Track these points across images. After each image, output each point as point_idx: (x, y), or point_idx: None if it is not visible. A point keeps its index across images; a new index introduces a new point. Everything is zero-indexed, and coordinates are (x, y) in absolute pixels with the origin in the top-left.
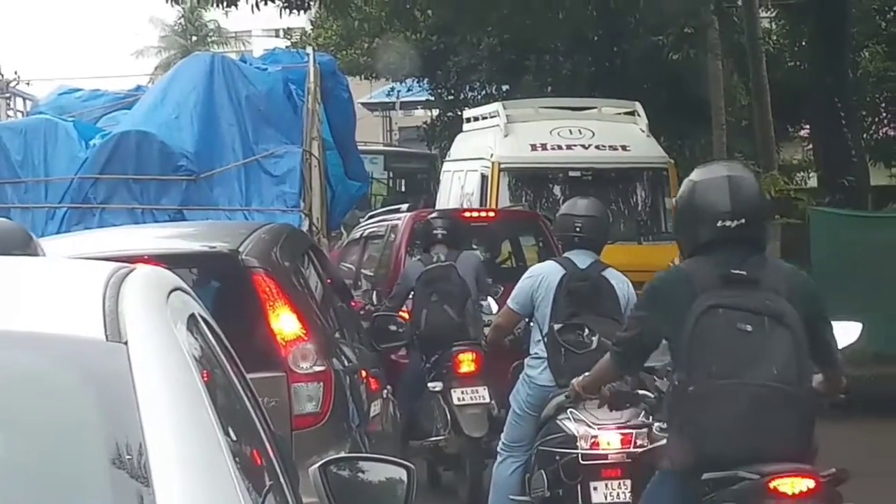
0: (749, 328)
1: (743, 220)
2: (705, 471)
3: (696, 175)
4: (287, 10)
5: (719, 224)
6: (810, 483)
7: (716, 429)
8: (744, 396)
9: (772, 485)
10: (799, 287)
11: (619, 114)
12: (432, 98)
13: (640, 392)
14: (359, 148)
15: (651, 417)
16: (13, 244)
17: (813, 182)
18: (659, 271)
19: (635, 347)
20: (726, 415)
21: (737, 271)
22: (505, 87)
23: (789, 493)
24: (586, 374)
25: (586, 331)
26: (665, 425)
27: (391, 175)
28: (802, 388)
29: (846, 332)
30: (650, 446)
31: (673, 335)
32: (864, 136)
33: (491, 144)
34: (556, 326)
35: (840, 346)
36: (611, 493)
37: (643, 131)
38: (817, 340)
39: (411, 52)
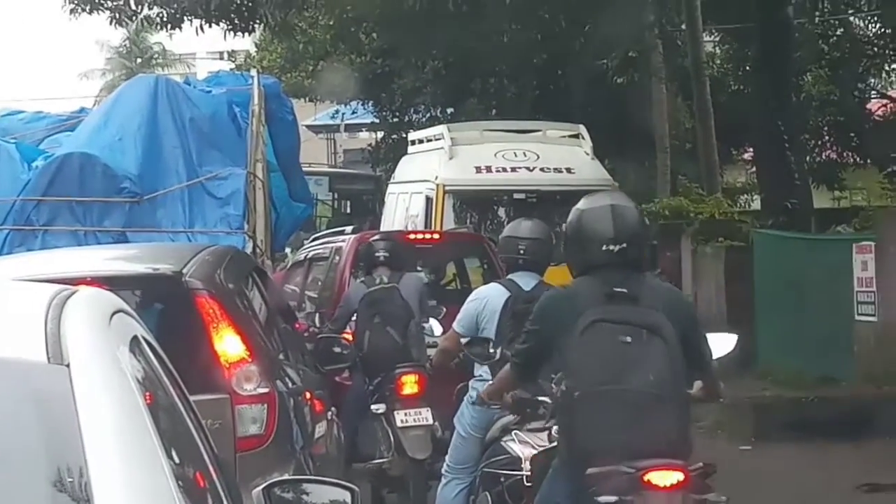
0: (629, 339)
1: (624, 245)
2: (590, 466)
3: (582, 204)
4: (231, 33)
5: (603, 248)
6: (680, 476)
7: (599, 429)
8: (623, 400)
9: (646, 478)
10: (674, 303)
11: (564, 137)
12: (377, 121)
13: (539, 398)
14: (303, 170)
15: (550, 421)
16: None
17: (756, 205)
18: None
19: (530, 358)
20: (608, 417)
21: (619, 289)
22: (450, 110)
23: (661, 484)
24: (491, 382)
25: None
26: (556, 429)
27: (336, 196)
28: (676, 393)
29: (721, 343)
30: (548, 446)
31: (562, 346)
32: (808, 159)
33: (436, 167)
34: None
35: (715, 356)
36: None
37: (587, 154)
38: (692, 351)
39: (356, 75)
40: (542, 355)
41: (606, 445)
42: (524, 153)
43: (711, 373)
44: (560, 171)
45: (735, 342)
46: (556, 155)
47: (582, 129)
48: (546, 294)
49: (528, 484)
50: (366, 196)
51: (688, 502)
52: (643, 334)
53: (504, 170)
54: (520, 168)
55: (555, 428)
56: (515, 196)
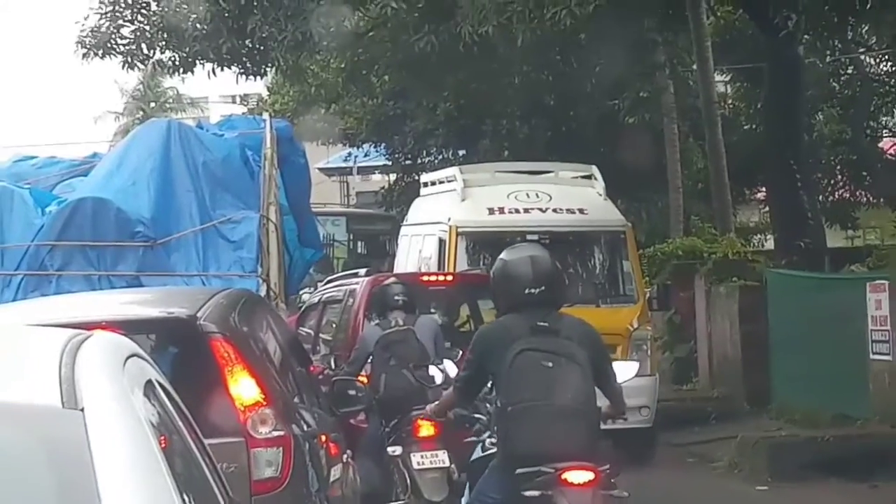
0: (550, 364)
1: (543, 287)
2: (518, 467)
3: (505, 255)
4: (244, 77)
5: (526, 291)
6: (591, 475)
7: (526, 437)
8: (546, 414)
9: (563, 476)
10: (586, 335)
11: (576, 177)
12: (389, 163)
13: (476, 415)
14: (322, 210)
15: (486, 433)
16: None
17: (770, 244)
18: (600, 332)
19: (469, 384)
20: (533, 427)
21: (541, 323)
22: (462, 152)
23: (575, 482)
24: (436, 402)
25: None
26: (495, 438)
27: (353, 237)
28: (588, 409)
29: (624, 370)
30: (483, 454)
31: (496, 371)
32: (820, 198)
33: (448, 209)
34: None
35: (620, 380)
36: None
37: (600, 195)
38: (600, 374)
39: (368, 118)
40: (478, 380)
41: (532, 450)
42: (537, 194)
43: (616, 393)
44: (573, 212)
45: (636, 369)
46: (569, 196)
47: (594, 169)
48: (480, 329)
49: None
50: (382, 236)
51: (597, 497)
52: (562, 360)
53: (517, 211)
54: (532, 209)
55: (489, 440)
56: (528, 237)
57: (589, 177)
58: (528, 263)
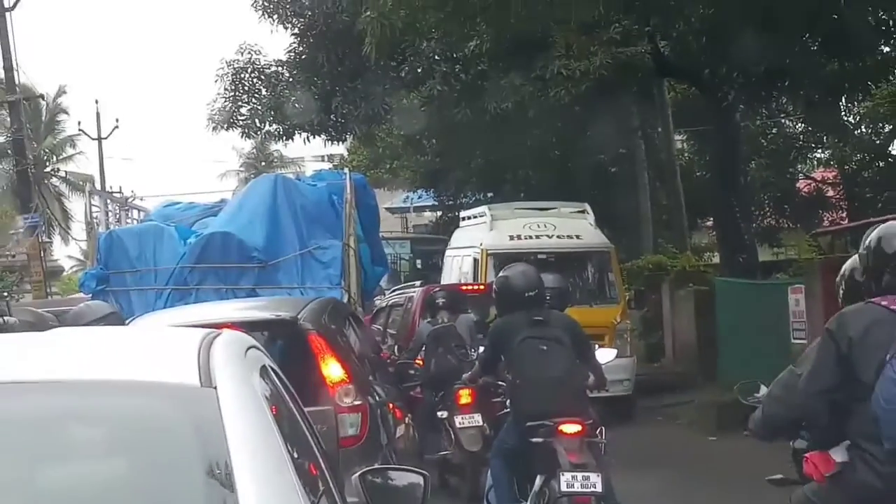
0: (545, 348)
1: (535, 291)
2: (526, 421)
3: (505, 272)
4: (330, 142)
5: (525, 294)
6: (579, 427)
7: (530, 400)
8: (545, 384)
9: (559, 427)
10: (570, 325)
11: (573, 212)
12: (436, 203)
13: (500, 382)
14: (393, 235)
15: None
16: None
17: (717, 259)
18: (586, 326)
19: (488, 361)
20: (535, 393)
21: (537, 318)
22: (490, 194)
23: (568, 432)
24: (469, 373)
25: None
26: (509, 402)
27: (414, 256)
28: (575, 378)
29: (604, 354)
30: (502, 412)
31: (506, 353)
32: (754, 224)
33: (481, 236)
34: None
35: (602, 362)
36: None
37: (591, 224)
38: (581, 354)
39: (421, 171)
40: (494, 359)
41: (536, 410)
42: (545, 225)
43: (597, 367)
44: (572, 238)
45: (614, 354)
46: (568, 225)
47: (587, 206)
48: (494, 323)
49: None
50: (436, 256)
51: (584, 443)
52: (553, 344)
53: (531, 237)
54: (542, 236)
55: (508, 402)
56: (539, 256)
57: (583, 211)
58: (523, 276)
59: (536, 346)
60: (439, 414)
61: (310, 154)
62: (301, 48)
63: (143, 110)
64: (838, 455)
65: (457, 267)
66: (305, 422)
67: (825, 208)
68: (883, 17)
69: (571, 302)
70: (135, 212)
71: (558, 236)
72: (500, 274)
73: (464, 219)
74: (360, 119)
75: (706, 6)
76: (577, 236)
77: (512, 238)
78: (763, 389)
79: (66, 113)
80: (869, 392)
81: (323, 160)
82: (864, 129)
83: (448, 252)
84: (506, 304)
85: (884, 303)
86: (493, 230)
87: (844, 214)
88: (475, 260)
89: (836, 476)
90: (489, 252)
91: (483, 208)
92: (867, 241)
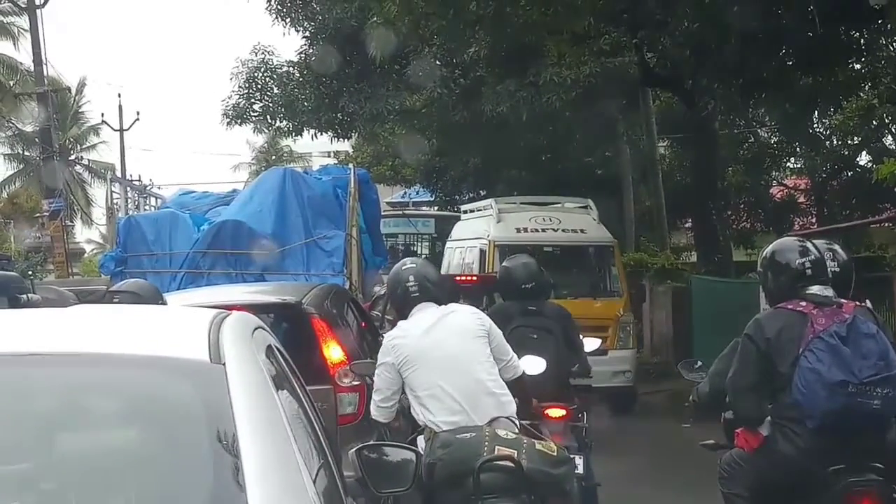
0: (535, 336)
1: (532, 283)
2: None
3: (507, 262)
4: (336, 139)
5: (522, 286)
6: (563, 412)
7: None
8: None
9: (545, 411)
10: (561, 316)
11: (577, 207)
12: (435, 199)
13: None
14: (416, 212)
15: None
16: (153, 298)
17: (694, 258)
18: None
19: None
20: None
21: (531, 307)
22: (483, 192)
23: (553, 416)
24: None
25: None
26: None
27: (438, 235)
28: (562, 367)
29: (590, 343)
30: None
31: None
32: (729, 227)
33: (487, 228)
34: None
35: (587, 350)
36: None
37: (595, 220)
38: (570, 344)
39: (420, 168)
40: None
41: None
42: (550, 219)
43: (583, 357)
44: (576, 232)
45: (599, 343)
46: (573, 220)
47: (590, 202)
48: (491, 308)
49: None
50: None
51: (567, 426)
52: (543, 333)
53: (536, 230)
54: (548, 229)
55: None
56: (545, 249)
57: (586, 207)
58: (524, 267)
59: (527, 335)
60: None
61: (317, 150)
62: (311, 50)
63: (162, 104)
64: (764, 430)
65: (458, 258)
66: (307, 399)
67: (796, 213)
68: (854, 34)
69: (574, 294)
70: (152, 199)
71: (563, 230)
72: (504, 263)
73: (465, 212)
74: (364, 118)
75: (690, 22)
76: (582, 230)
77: (519, 231)
78: (699, 364)
79: (90, 104)
80: (787, 381)
81: (329, 156)
82: (834, 141)
83: (449, 244)
84: (506, 292)
85: (790, 307)
86: (501, 222)
87: (814, 220)
88: (482, 251)
89: (761, 446)
90: (496, 243)
91: (489, 201)
92: (763, 257)
